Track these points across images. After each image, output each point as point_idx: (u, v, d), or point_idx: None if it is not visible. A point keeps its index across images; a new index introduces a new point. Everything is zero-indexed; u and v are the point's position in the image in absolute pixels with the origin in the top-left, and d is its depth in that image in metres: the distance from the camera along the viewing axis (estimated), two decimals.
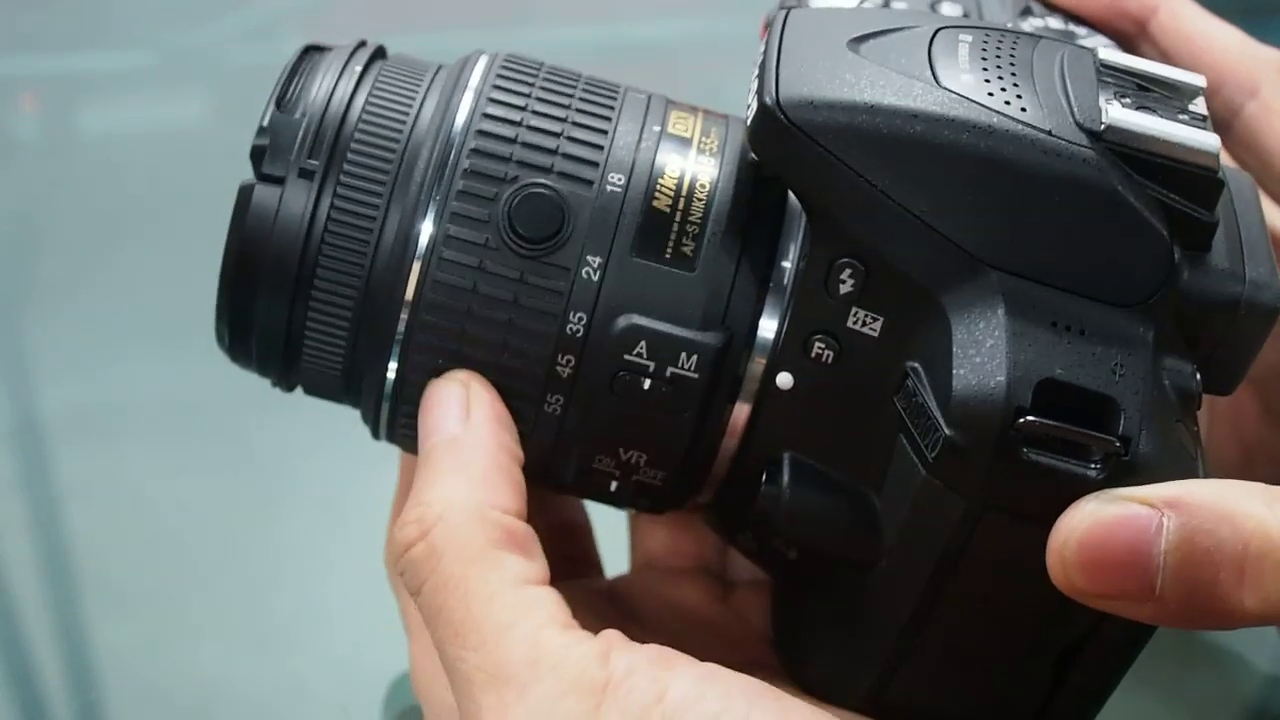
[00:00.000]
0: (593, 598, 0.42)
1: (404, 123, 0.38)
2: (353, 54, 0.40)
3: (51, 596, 0.54)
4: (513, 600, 0.34)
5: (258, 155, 0.38)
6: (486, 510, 0.35)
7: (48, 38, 0.83)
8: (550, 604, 0.34)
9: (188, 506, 0.57)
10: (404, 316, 0.38)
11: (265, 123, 0.38)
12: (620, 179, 0.37)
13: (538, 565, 0.35)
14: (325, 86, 0.38)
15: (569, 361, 0.37)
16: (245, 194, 0.38)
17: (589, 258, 0.37)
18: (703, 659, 0.34)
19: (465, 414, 0.37)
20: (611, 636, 0.34)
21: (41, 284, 0.69)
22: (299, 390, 0.41)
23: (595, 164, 0.38)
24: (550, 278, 0.37)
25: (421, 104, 0.39)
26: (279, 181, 0.38)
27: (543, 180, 0.37)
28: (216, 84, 0.77)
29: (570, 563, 0.44)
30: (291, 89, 0.39)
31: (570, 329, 0.37)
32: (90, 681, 0.52)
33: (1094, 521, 0.32)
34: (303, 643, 0.53)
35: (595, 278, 0.37)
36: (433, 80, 0.40)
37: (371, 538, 0.46)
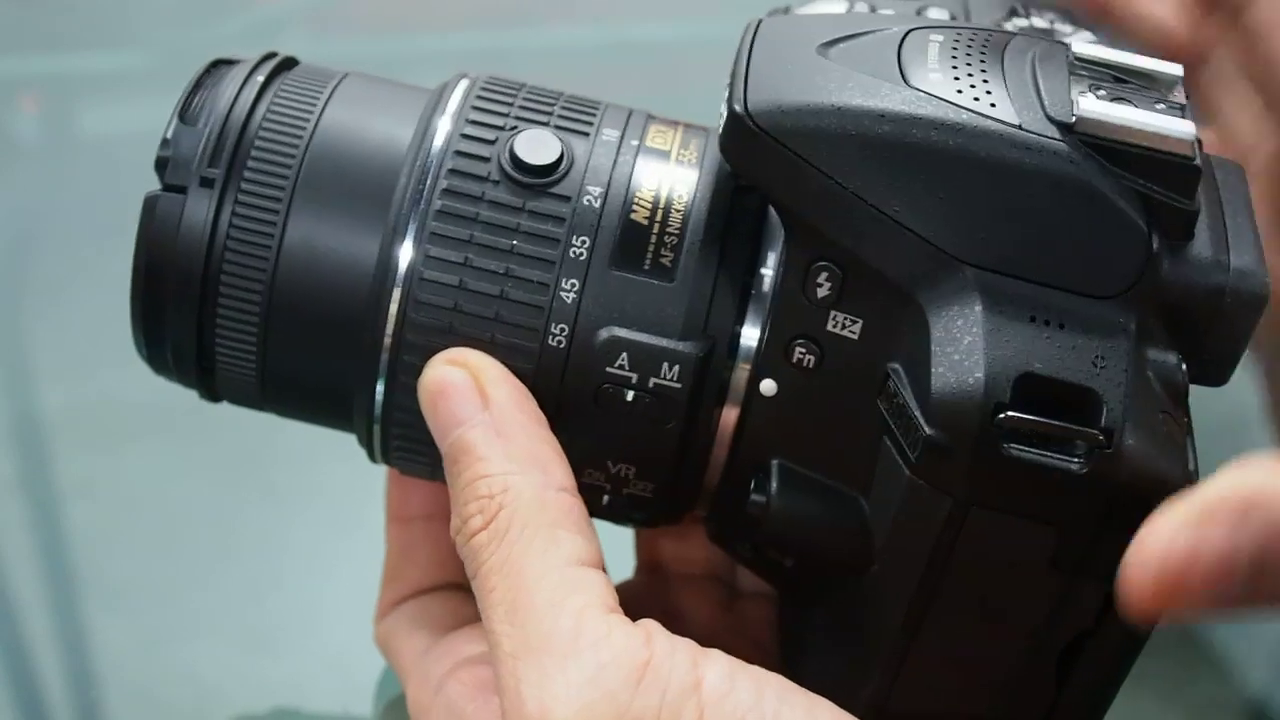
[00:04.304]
0: None
1: (303, 130, 0.38)
2: (257, 65, 0.40)
3: (51, 596, 0.54)
4: (562, 579, 0.34)
5: (161, 166, 0.38)
6: (543, 491, 0.35)
7: (48, 38, 0.83)
8: (598, 586, 0.35)
9: (187, 506, 0.57)
10: (388, 339, 0.38)
11: (168, 134, 0.38)
12: (598, 192, 0.38)
13: (590, 544, 0.36)
14: (227, 97, 0.39)
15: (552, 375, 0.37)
16: (150, 204, 0.38)
17: None
18: None
19: (480, 396, 0.37)
20: (650, 624, 0.34)
21: (42, 284, 0.69)
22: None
23: (573, 179, 0.38)
24: (531, 292, 0.37)
25: (323, 111, 0.39)
26: (182, 190, 0.38)
27: None
28: None
29: None
30: (195, 101, 0.39)
31: (552, 342, 0.37)
32: (90, 681, 0.52)
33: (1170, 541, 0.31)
34: (302, 643, 0.53)
35: (575, 291, 0.37)
36: (336, 87, 0.40)
37: (371, 538, 0.46)
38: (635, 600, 0.44)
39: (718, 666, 0.34)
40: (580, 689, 0.32)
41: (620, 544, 0.47)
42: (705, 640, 0.43)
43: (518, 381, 0.37)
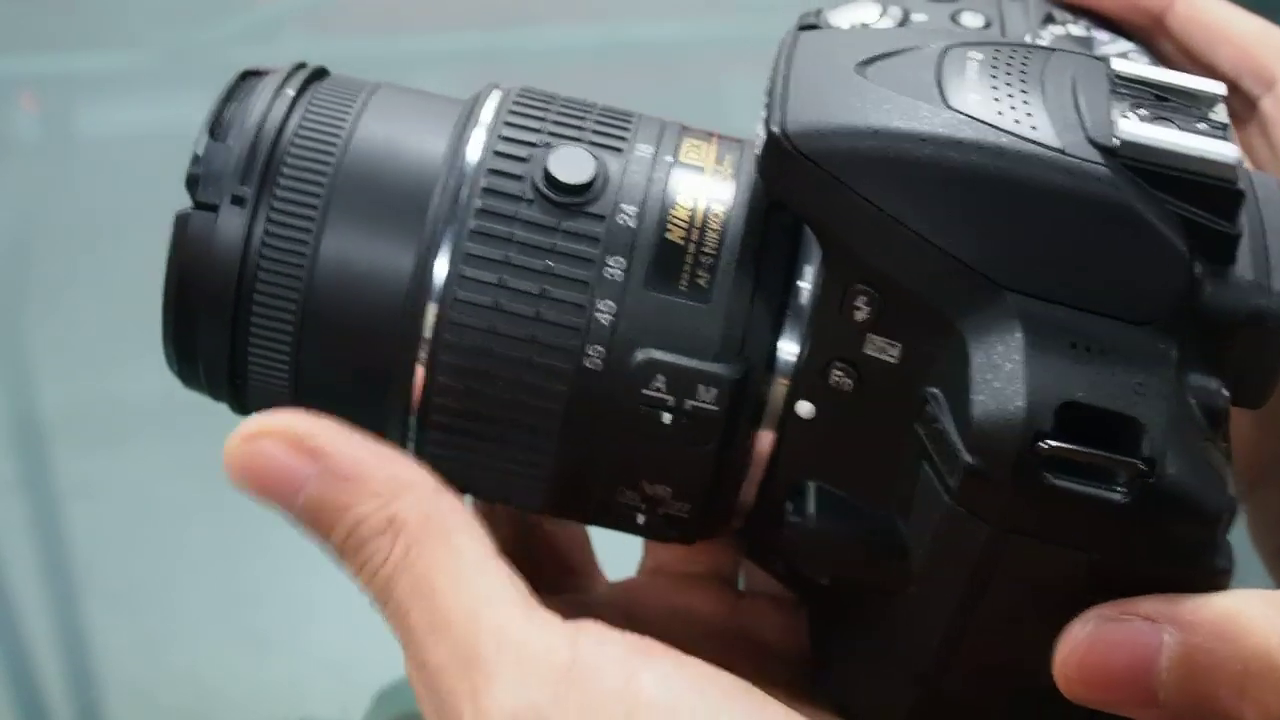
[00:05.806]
0: (596, 609, 0.42)
1: (335, 145, 0.38)
2: (288, 77, 0.40)
3: (51, 596, 0.55)
4: (472, 587, 0.34)
5: (192, 184, 0.38)
6: (421, 504, 0.35)
7: (48, 38, 0.83)
8: (511, 586, 0.34)
9: (187, 506, 0.57)
10: (423, 356, 0.37)
11: (198, 151, 0.38)
12: (633, 211, 0.37)
13: (481, 531, 0.35)
14: (258, 111, 0.38)
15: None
16: (181, 222, 0.38)
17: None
18: None
19: (304, 453, 0.35)
20: (585, 622, 0.34)
21: (41, 284, 0.69)
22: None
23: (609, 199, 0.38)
24: (566, 314, 0.37)
25: (355, 126, 0.39)
26: (214, 209, 0.38)
27: None
28: (216, 84, 0.77)
29: (571, 575, 0.44)
30: (225, 115, 0.39)
31: (588, 364, 0.37)
32: (90, 681, 0.52)
33: (1095, 640, 0.32)
34: (302, 644, 0.53)
35: (611, 312, 0.37)
36: (368, 101, 0.39)
37: None
38: (639, 598, 0.44)
39: (656, 667, 0.33)
40: (507, 698, 0.32)
41: (628, 542, 0.47)
42: (709, 640, 0.43)
43: (325, 417, 0.35)
